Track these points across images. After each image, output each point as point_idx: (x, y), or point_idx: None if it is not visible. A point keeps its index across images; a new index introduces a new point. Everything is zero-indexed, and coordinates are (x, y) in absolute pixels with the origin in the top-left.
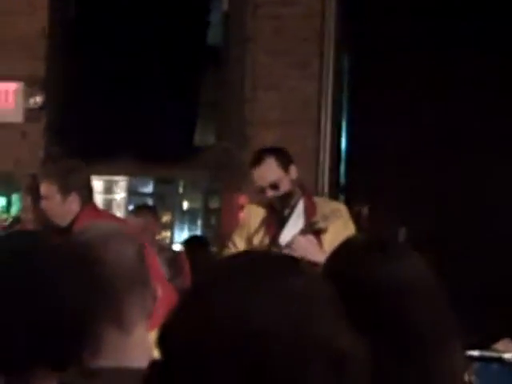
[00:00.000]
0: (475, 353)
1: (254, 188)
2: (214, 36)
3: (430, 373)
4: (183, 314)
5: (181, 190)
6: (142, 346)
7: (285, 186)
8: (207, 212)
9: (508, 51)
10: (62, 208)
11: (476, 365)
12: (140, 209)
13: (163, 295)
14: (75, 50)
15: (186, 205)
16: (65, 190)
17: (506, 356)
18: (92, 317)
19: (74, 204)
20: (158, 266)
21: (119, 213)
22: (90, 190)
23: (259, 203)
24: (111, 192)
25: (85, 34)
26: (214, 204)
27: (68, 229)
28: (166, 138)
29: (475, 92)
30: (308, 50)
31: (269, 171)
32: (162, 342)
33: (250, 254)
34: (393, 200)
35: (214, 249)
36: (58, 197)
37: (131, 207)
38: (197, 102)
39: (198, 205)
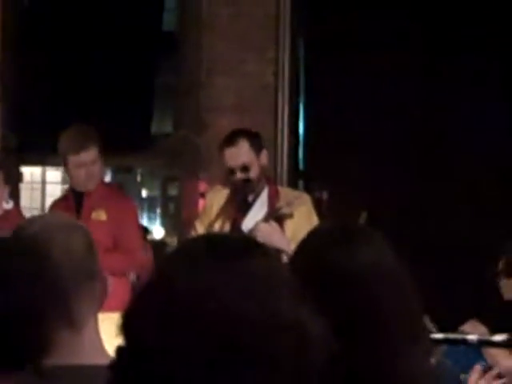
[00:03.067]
0: (439, 335)
1: (223, 169)
2: (169, 21)
3: (394, 360)
4: (147, 298)
5: (139, 178)
6: (93, 341)
7: (255, 171)
8: (166, 200)
9: None
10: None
11: (444, 346)
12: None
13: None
14: (29, 40)
15: (144, 193)
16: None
17: (470, 337)
18: (40, 314)
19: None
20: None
21: None
22: None
23: (223, 187)
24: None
25: (39, 23)
26: (173, 192)
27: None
28: (123, 126)
29: (433, 74)
30: (264, 35)
31: (241, 152)
32: (126, 327)
33: (210, 236)
34: (352, 184)
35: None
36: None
37: None
38: (152, 89)
39: (156, 193)
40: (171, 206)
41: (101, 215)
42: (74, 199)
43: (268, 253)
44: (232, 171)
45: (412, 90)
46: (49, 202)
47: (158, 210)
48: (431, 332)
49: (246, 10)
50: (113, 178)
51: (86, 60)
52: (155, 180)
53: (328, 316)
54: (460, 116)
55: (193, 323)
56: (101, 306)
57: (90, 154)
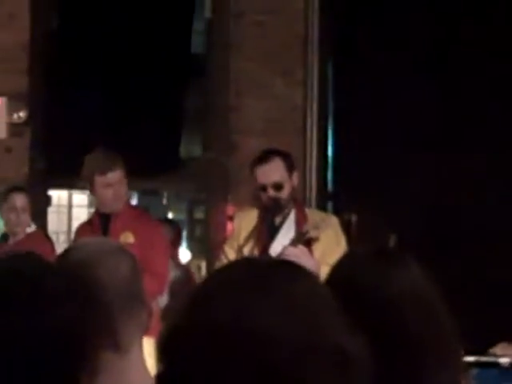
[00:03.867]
0: (471, 358)
1: (253, 189)
2: (197, 44)
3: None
4: (185, 322)
5: (165, 201)
6: (139, 365)
7: (287, 190)
8: (192, 223)
9: None
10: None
11: (474, 370)
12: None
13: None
14: (58, 63)
15: (170, 216)
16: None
17: (502, 360)
18: (88, 339)
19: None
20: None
21: None
22: None
23: (251, 209)
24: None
25: (68, 46)
26: (199, 215)
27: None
28: (151, 149)
29: (463, 88)
30: (292, 57)
31: (275, 170)
32: (165, 352)
33: (250, 261)
34: (381, 207)
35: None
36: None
37: None
38: (181, 112)
39: (182, 216)
40: (197, 230)
41: (129, 237)
42: (100, 222)
43: (309, 276)
44: (264, 188)
45: (440, 112)
46: (75, 225)
47: (185, 233)
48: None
49: (273, 31)
50: (139, 200)
51: (114, 83)
52: (181, 203)
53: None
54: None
55: (234, 349)
56: (146, 329)
57: (116, 175)
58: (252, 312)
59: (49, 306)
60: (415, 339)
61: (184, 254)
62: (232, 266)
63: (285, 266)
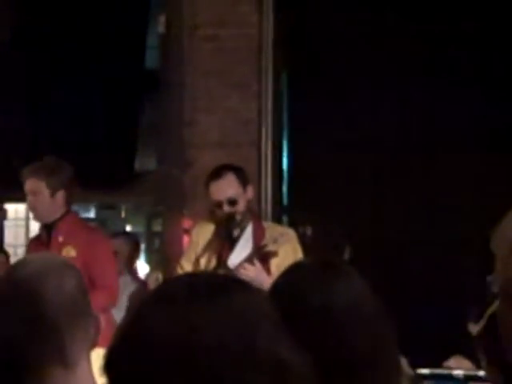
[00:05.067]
0: (425, 371)
1: (209, 204)
2: (151, 59)
3: None
4: (127, 337)
5: (123, 214)
6: (86, 380)
7: (242, 204)
8: (150, 235)
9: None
10: (49, 204)
11: (429, 382)
12: (118, 235)
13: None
14: (11, 73)
15: (128, 229)
16: (53, 187)
17: (456, 373)
18: (33, 355)
19: (60, 201)
20: (113, 272)
21: None
22: (74, 189)
23: (208, 222)
24: None
25: (21, 57)
26: (157, 227)
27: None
28: (106, 164)
29: (423, 93)
30: (246, 71)
31: (229, 186)
32: (108, 367)
33: (190, 275)
34: (337, 219)
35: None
36: (46, 192)
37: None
38: (136, 126)
39: (140, 228)
40: (156, 242)
41: (70, 251)
42: (45, 235)
43: (247, 288)
44: (219, 205)
45: (392, 120)
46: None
47: (143, 246)
48: (406, 372)
49: (227, 45)
50: (97, 214)
51: (67, 97)
52: (140, 216)
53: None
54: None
55: (172, 363)
56: (94, 344)
57: (30, 183)
58: (188, 325)
59: None
60: (352, 352)
61: (143, 267)
62: (172, 280)
63: (223, 279)
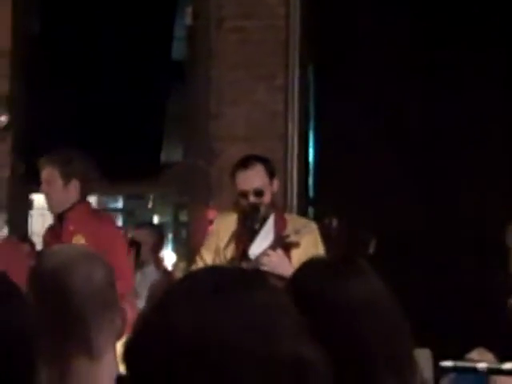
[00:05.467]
0: (448, 363)
1: (234, 194)
2: (178, 51)
3: None
4: (146, 329)
5: (150, 204)
6: (112, 371)
7: (267, 196)
8: (177, 226)
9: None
10: (62, 193)
11: (452, 375)
12: (142, 226)
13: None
14: (40, 67)
15: (156, 219)
16: (66, 176)
17: (480, 366)
18: (60, 345)
19: (73, 191)
20: (128, 264)
21: None
22: (88, 180)
23: (230, 212)
24: None
25: (50, 51)
26: (184, 217)
27: (63, 216)
28: (133, 154)
29: (448, 94)
30: (273, 63)
31: (256, 176)
32: (126, 357)
33: (211, 269)
34: (363, 212)
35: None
36: (59, 181)
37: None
38: (163, 118)
39: (167, 219)
40: (183, 232)
41: (79, 240)
42: (58, 225)
43: (269, 284)
44: (245, 195)
45: (423, 115)
46: None
47: (170, 236)
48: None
49: (254, 37)
50: (125, 204)
51: (96, 89)
52: (167, 206)
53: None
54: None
55: (193, 358)
56: (120, 336)
57: (45, 172)
58: (211, 320)
59: (17, 313)
60: (366, 348)
61: (170, 257)
62: (194, 273)
63: (246, 275)
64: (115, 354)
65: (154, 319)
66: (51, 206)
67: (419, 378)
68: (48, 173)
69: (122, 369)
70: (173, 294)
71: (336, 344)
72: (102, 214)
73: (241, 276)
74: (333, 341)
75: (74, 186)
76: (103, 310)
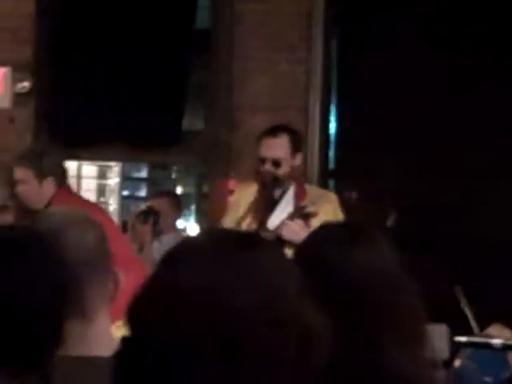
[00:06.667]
0: (464, 338)
1: (255, 163)
2: (202, 19)
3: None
4: (151, 291)
5: (174, 175)
6: (104, 333)
7: (285, 168)
8: (200, 197)
9: None
10: (37, 192)
11: (467, 351)
12: (160, 194)
13: (128, 280)
14: (63, 33)
15: (179, 190)
16: (40, 175)
17: (494, 342)
18: (55, 308)
19: (49, 188)
20: (127, 250)
21: (113, 198)
22: (63, 173)
23: (250, 182)
24: (105, 177)
25: (73, 17)
26: (207, 189)
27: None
28: (155, 122)
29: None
30: (296, 34)
31: (279, 146)
32: (131, 318)
33: (214, 231)
34: (383, 185)
35: None
36: (34, 181)
37: (125, 192)
38: (185, 86)
39: (191, 190)
40: (205, 203)
41: None
42: None
43: (273, 247)
44: (263, 161)
45: (446, 88)
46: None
47: (193, 207)
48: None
49: (278, 7)
50: (149, 174)
51: (119, 57)
52: (190, 177)
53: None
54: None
55: (196, 316)
56: (113, 298)
57: (18, 172)
58: (217, 278)
59: (7, 278)
60: (371, 317)
61: (193, 228)
62: (202, 234)
63: (252, 237)
64: (108, 316)
65: (157, 276)
66: (29, 204)
67: (430, 354)
68: (21, 173)
69: (116, 332)
70: (178, 253)
71: (340, 310)
72: (88, 203)
73: (245, 237)
74: (337, 307)
75: (49, 182)
76: (95, 272)
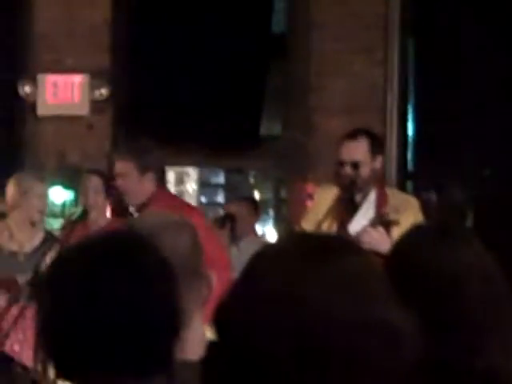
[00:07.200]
0: None
1: (334, 166)
2: (278, 23)
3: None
4: (238, 296)
5: (251, 180)
6: (198, 338)
7: (365, 172)
8: (278, 202)
9: None
10: (137, 186)
11: None
12: (238, 200)
13: (219, 284)
14: (140, 39)
15: (256, 195)
16: (141, 169)
17: None
18: (176, 311)
19: (149, 184)
20: (220, 253)
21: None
22: (163, 172)
23: (331, 185)
24: (182, 183)
25: (150, 23)
26: (285, 194)
27: (142, 208)
28: (233, 127)
29: None
30: (373, 36)
31: (358, 149)
32: (218, 323)
33: (302, 236)
34: (461, 186)
35: None
36: (135, 175)
37: (203, 199)
38: (262, 91)
39: (269, 195)
40: (284, 209)
41: None
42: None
43: (361, 251)
44: (341, 164)
45: None
46: None
47: (271, 213)
48: None
49: (354, 9)
50: (226, 179)
51: (196, 64)
52: (267, 182)
53: (416, 314)
54: None
55: (283, 321)
56: (206, 301)
57: (119, 165)
58: (304, 283)
59: (107, 282)
60: (472, 318)
61: (271, 234)
62: (286, 239)
63: (338, 240)
64: (201, 321)
65: (243, 281)
66: (128, 199)
67: None
68: (122, 166)
69: (209, 335)
70: (263, 256)
71: (435, 311)
72: (188, 205)
73: (331, 241)
74: (432, 308)
75: (149, 178)
76: (189, 277)
